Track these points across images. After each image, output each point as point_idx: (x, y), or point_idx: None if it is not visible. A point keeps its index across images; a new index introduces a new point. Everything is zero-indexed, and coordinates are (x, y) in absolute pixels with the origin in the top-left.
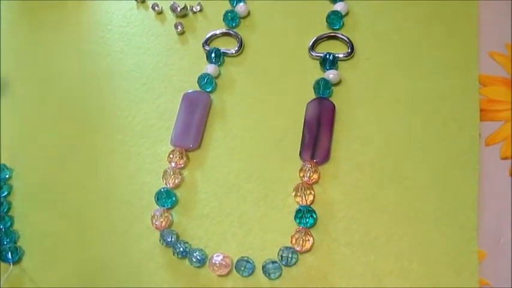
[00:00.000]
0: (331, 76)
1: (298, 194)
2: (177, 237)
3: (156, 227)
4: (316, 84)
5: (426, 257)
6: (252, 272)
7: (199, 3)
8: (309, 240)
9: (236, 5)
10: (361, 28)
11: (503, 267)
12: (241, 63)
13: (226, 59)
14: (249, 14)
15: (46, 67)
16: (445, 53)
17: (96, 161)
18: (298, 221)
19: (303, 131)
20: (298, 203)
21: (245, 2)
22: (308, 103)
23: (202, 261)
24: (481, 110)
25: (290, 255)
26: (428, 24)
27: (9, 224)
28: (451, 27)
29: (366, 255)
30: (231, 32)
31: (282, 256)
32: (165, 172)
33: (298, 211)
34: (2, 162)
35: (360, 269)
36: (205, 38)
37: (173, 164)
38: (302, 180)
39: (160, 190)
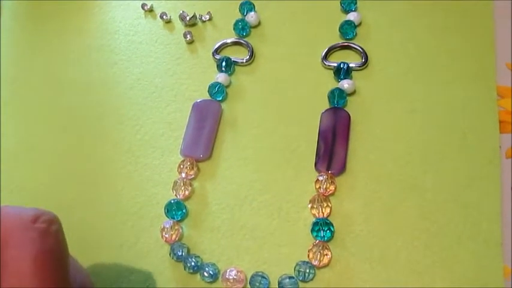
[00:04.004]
0: (346, 86)
1: (315, 206)
2: (188, 251)
3: (166, 240)
4: (330, 93)
5: (449, 273)
6: (267, 287)
7: (208, 12)
8: (327, 254)
9: (247, 14)
10: (374, 38)
11: None
12: (253, 72)
13: (237, 68)
14: (259, 23)
15: (52, 75)
16: (461, 64)
17: (102, 172)
18: (315, 234)
19: (317, 142)
20: (314, 215)
21: (256, 11)
22: (322, 113)
23: (214, 276)
24: (500, 122)
25: (307, 270)
26: (444, 34)
27: None
28: (467, 37)
29: (387, 271)
30: (242, 41)
31: (298, 271)
32: (175, 183)
33: (315, 224)
34: (3, 173)
35: (380, 286)
36: (215, 47)
37: (183, 175)
38: (318, 192)
39: (170, 202)
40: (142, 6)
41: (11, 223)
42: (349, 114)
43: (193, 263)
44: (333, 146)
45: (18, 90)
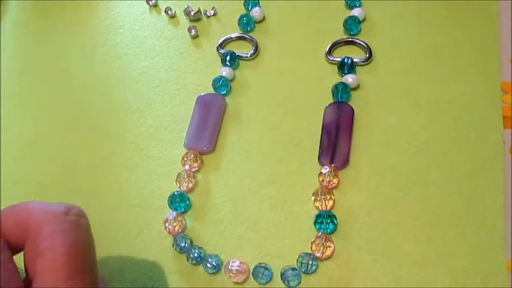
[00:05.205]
0: (350, 80)
1: (318, 199)
2: (191, 242)
3: (169, 232)
4: (334, 88)
5: (452, 267)
6: (270, 279)
7: (213, 7)
8: (330, 246)
9: (251, 9)
10: (378, 34)
11: None
12: (257, 66)
13: (241, 62)
14: (264, 18)
15: (57, 70)
16: (465, 59)
17: (106, 164)
18: (318, 226)
19: (321, 135)
20: (317, 208)
21: (260, 7)
22: (326, 107)
23: (217, 268)
24: (504, 117)
25: (310, 262)
26: (448, 30)
27: None
28: (471, 33)
29: (389, 264)
30: (246, 36)
31: (301, 263)
32: (179, 175)
33: (318, 216)
34: (8, 164)
35: (383, 278)
36: (219, 42)
37: (187, 167)
38: (321, 184)
39: (173, 193)
40: (147, 1)
41: (42, 216)
42: (352, 109)
43: (196, 254)
44: (336, 140)
45: (23, 83)
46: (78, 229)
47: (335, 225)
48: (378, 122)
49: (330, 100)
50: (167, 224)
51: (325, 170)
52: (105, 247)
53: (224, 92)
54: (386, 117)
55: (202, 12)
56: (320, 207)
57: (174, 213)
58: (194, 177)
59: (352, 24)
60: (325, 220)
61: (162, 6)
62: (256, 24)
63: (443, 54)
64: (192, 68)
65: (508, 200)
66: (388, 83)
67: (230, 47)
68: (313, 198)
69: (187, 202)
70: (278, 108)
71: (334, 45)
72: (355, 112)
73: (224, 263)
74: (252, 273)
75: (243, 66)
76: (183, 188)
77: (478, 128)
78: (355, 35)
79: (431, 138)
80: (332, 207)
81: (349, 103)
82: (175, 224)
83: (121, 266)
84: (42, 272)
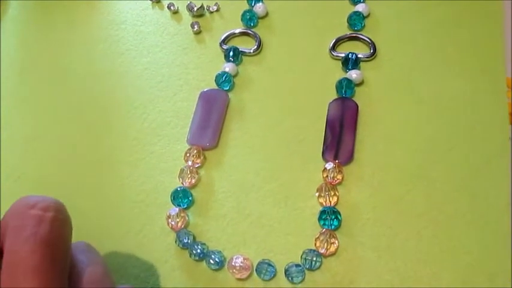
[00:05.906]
0: (354, 76)
1: (322, 195)
2: (194, 238)
3: (172, 228)
4: (338, 83)
5: (457, 263)
6: (273, 275)
7: (216, 3)
8: (334, 243)
9: (254, 5)
10: (383, 30)
11: None
12: (260, 62)
13: (244, 58)
14: (267, 14)
15: (59, 66)
16: (470, 55)
17: (109, 160)
18: (322, 222)
19: (325, 131)
20: (321, 204)
21: (263, 2)
22: (330, 103)
23: (220, 264)
24: (510, 114)
25: (314, 259)
26: (453, 26)
27: None
28: (475, 28)
29: (394, 260)
30: (249, 31)
31: (305, 259)
32: (182, 171)
33: (322, 212)
34: (10, 161)
35: (387, 275)
36: (222, 37)
37: (190, 163)
38: (325, 180)
39: (176, 189)
40: None
41: (11, 212)
42: (357, 104)
43: (199, 250)
44: (340, 136)
45: (25, 80)
46: (39, 224)
47: (339, 221)
48: (383, 118)
49: (334, 96)
50: (170, 220)
51: (330, 166)
52: (107, 243)
53: (227, 88)
54: (391, 113)
55: (205, 8)
56: (324, 204)
57: (177, 209)
58: (197, 173)
59: (356, 20)
60: (330, 216)
61: (165, 2)
62: (259, 20)
63: (448, 50)
64: (195, 63)
65: None
66: (392, 79)
67: (233, 43)
68: (317, 194)
69: (190, 198)
70: (281, 104)
71: (338, 41)
72: (359, 108)
73: (227, 259)
74: (256, 270)
75: (246, 62)
76: (186, 184)
77: (484, 124)
78: (359, 30)
79: (436, 134)
80: (336, 203)
81: (353, 99)
82: (178, 220)
83: (123, 262)
84: (2, 271)
